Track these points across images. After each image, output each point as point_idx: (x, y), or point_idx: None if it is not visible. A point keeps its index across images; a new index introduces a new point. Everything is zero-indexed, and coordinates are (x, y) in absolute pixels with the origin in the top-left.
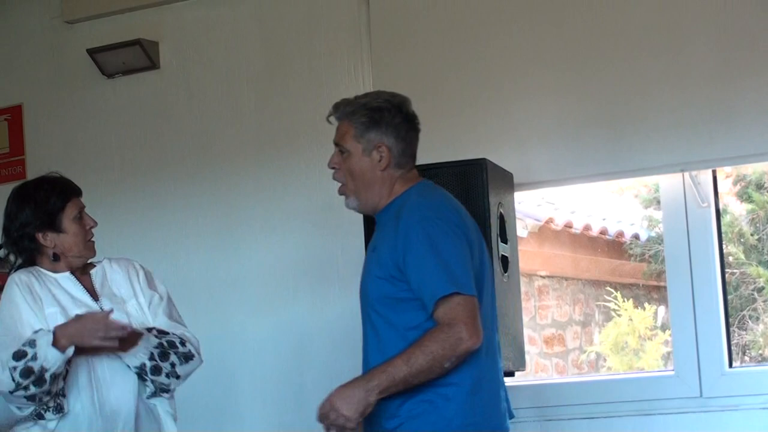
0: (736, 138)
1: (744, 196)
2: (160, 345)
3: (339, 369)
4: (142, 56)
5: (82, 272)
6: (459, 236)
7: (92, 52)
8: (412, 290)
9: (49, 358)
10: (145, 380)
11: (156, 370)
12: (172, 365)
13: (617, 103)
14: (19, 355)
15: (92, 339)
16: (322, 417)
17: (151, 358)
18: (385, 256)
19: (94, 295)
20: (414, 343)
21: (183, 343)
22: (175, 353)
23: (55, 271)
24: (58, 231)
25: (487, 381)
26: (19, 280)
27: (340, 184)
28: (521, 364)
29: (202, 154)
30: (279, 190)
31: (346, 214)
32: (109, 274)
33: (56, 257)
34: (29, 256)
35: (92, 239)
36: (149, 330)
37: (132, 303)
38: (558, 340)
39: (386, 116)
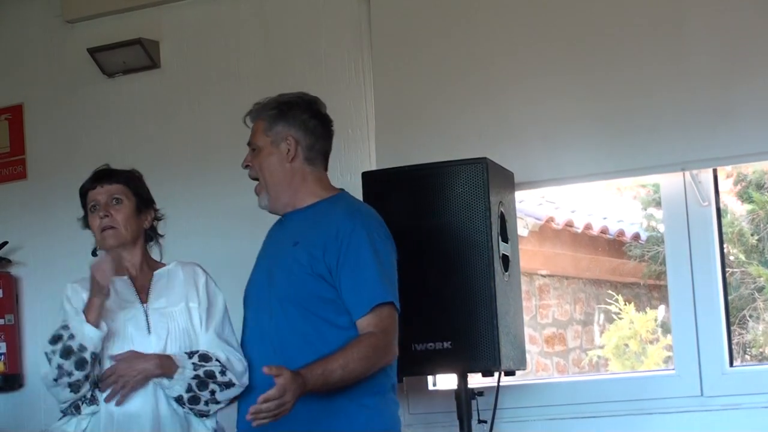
0: (737, 137)
1: (744, 196)
2: (197, 377)
3: None
4: (142, 55)
5: (146, 272)
6: (394, 252)
7: (93, 52)
8: (340, 292)
9: (86, 333)
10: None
11: (194, 400)
12: (212, 393)
13: (618, 102)
14: (55, 339)
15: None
16: (279, 405)
17: (189, 389)
18: (316, 254)
19: (144, 298)
20: (351, 347)
21: (223, 372)
22: (214, 382)
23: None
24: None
25: None
26: (66, 294)
27: (257, 182)
28: (522, 364)
29: (203, 154)
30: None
31: None
32: (172, 277)
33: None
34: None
35: (107, 229)
36: (191, 355)
37: (180, 307)
38: (559, 339)
39: (295, 110)
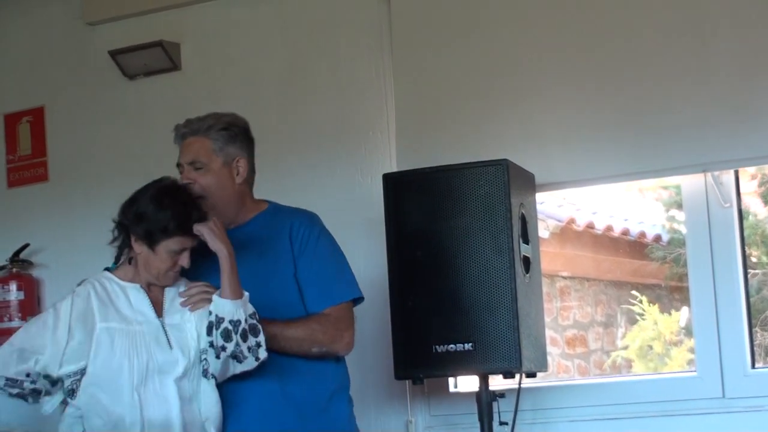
0: (759, 138)
1: (767, 199)
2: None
3: None
4: (163, 57)
5: (159, 287)
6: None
7: (114, 54)
8: (303, 289)
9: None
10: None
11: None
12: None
13: (638, 104)
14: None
15: None
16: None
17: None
18: (286, 260)
19: (159, 311)
20: (301, 318)
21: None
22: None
23: (127, 281)
24: (150, 248)
25: None
26: (75, 298)
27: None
28: (543, 365)
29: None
30: (301, 190)
31: (365, 213)
32: (181, 290)
33: (131, 261)
34: (120, 245)
35: (176, 272)
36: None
37: (192, 325)
38: (580, 341)
39: (240, 134)
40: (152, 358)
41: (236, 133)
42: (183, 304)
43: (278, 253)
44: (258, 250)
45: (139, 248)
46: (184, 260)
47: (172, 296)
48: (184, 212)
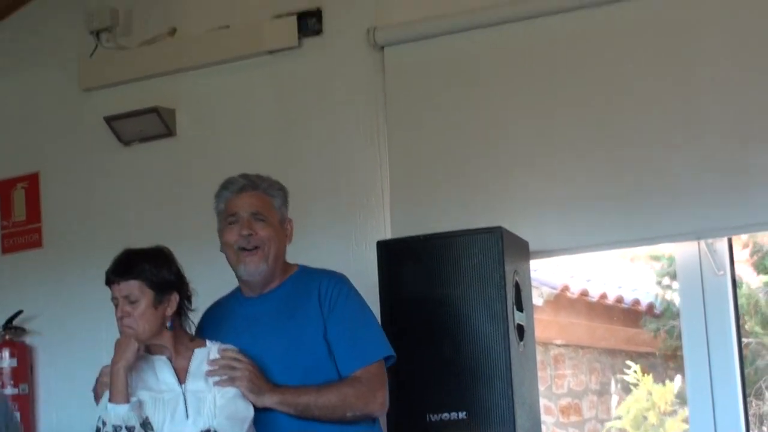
0: (752, 205)
1: (760, 267)
2: None
3: None
4: (158, 123)
5: (185, 351)
6: None
7: (109, 120)
8: (333, 350)
9: (112, 413)
10: None
11: None
12: None
13: (632, 172)
14: None
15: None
16: (228, 368)
17: None
18: (316, 322)
19: (182, 378)
20: (332, 383)
21: None
22: None
23: (155, 353)
24: None
25: None
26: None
27: (258, 249)
28: None
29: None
30: (295, 257)
31: (359, 280)
32: (211, 357)
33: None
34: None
35: (124, 326)
36: None
37: (212, 393)
38: (574, 409)
39: (287, 197)
40: (172, 424)
41: (287, 194)
42: (208, 374)
43: (308, 315)
44: (288, 312)
45: None
46: (117, 309)
47: (198, 361)
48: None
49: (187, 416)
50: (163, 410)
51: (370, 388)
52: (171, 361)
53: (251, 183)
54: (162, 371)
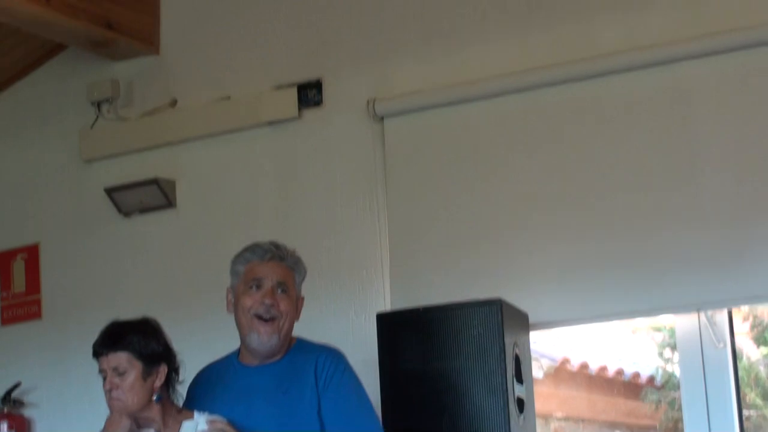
0: (752, 278)
1: (761, 340)
2: None
3: None
4: (158, 195)
5: (173, 424)
6: None
7: (109, 191)
8: (326, 427)
9: None
10: None
11: None
12: None
13: (632, 243)
14: None
15: None
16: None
17: None
18: (309, 396)
19: None
20: None
21: None
22: None
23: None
24: None
25: None
26: None
27: (274, 321)
28: None
29: (219, 292)
30: (298, 323)
31: (359, 351)
32: (199, 429)
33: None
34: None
35: (113, 398)
36: None
37: None
38: None
39: (305, 277)
40: None
41: (305, 276)
42: None
43: (303, 391)
44: (284, 386)
45: None
46: (106, 381)
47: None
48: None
49: None
50: None
51: None
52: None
53: (280, 253)
54: None
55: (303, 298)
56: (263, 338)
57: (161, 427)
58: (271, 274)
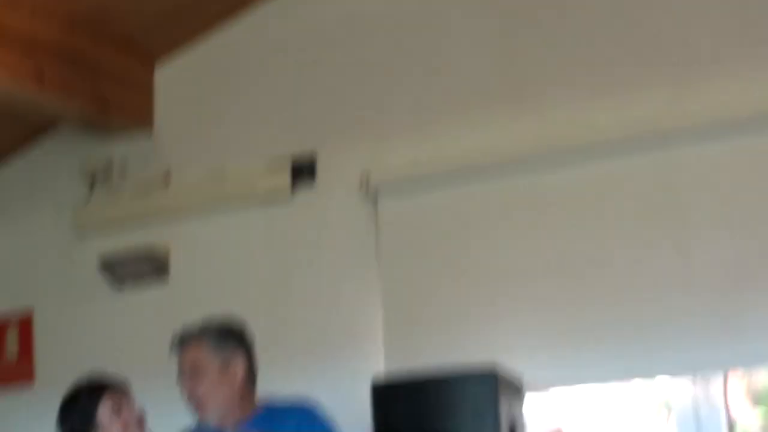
0: (748, 341)
1: (755, 403)
2: None
3: None
4: (152, 268)
5: None
6: None
7: (103, 264)
8: None
9: None
10: None
11: None
12: None
13: (627, 307)
14: None
15: None
16: None
17: None
18: None
19: None
20: None
21: None
22: None
23: None
24: (97, 430)
25: None
26: None
27: (199, 407)
28: None
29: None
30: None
31: (354, 419)
32: None
33: None
34: None
35: (137, 428)
36: None
37: None
38: None
39: (234, 334)
40: None
41: (229, 335)
42: None
43: None
44: None
45: None
46: (127, 412)
47: None
48: (89, 382)
49: None
50: None
51: None
52: None
53: (181, 339)
54: None
55: (238, 363)
56: (201, 417)
57: None
58: (180, 364)
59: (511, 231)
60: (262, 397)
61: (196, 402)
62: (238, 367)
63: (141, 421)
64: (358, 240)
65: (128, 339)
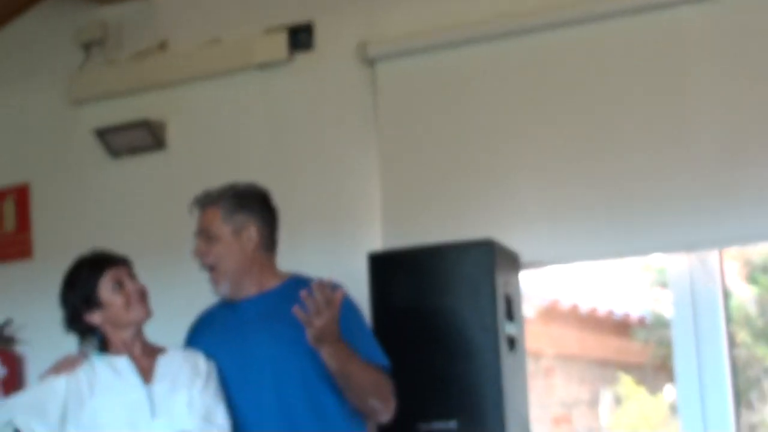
0: (743, 218)
1: (751, 280)
2: None
3: None
4: (148, 136)
5: (148, 355)
6: None
7: (99, 133)
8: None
9: None
10: None
11: None
12: None
13: (624, 183)
14: None
15: None
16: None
17: None
18: (300, 329)
19: (148, 378)
20: (374, 369)
21: None
22: None
23: (117, 355)
24: (100, 306)
25: None
26: (68, 377)
27: (213, 269)
28: None
29: None
30: (289, 265)
31: (351, 292)
32: (176, 361)
33: (103, 342)
34: (94, 336)
35: (140, 301)
36: None
37: (182, 394)
38: (565, 420)
39: (251, 200)
40: (135, 428)
41: (245, 202)
42: (296, 309)
43: (295, 325)
44: (280, 316)
45: (97, 316)
46: (131, 285)
47: (164, 365)
48: (90, 257)
49: (153, 417)
50: (128, 410)
51: (390, 388)
52: (134, 361)
53: (197, 200)
54: (124, 370)
55: (253, 227)
56: (214, 287)
57: (140, 353)
58: (197, 225)
59: (511, 97)
60: (294, 272)
61: (208, 268)
62: (252, 234)
63: (143, 296)
64: (356, 107)
65: (126, 210)
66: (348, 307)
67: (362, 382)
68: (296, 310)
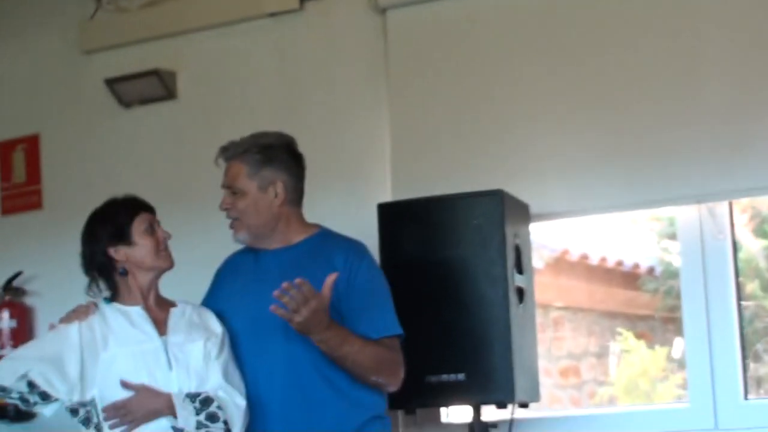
0: (753, 170)
1: (759, 232)
2: (199, 422)
3: None
4: (159, 86)
5: (161, 308)
6: None
7: (110, 82)
8: (351, 319)
9: None
10: None
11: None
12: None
13: (633, 135)
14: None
15: None
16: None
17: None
18: (318, 285)
19: (162, 330)
20: (372, 342)
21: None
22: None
23: (129, 305)
24: (128, 244)
25: None
26: (82, 325)
27: (237, 221)
28: (536, 396)
29: (218, 182)
30: None
31: (363, 236)
32: (188, 314)
33: (125, 272)
34: (109, 280)
35: (166, 250)
36: (194, 398)
37: (198, 345)
38: (573, 371)
39: (278, 153)
40: (152, 378)
41: (270, 154)
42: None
43: (318, 273)
44: (301, 270)
45: (122, 254)
46: (161, 232)
47: (177, 316)
48: (127, 199)
49: (171, 368)
50: (144, 360)
51: (396, 360)
52: (148, 312)
53: (223, 151)
54: (139, 321)
55: (280, 181)
56: (235, 237)
57: (154, 304)
58: (223, 179)
59: (522, 47)
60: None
61: (232, 220)
62: (279, 190)
63: (167, 246)
64: (367, 56)
65: (137, 160)
66: (367, 270)
67: (361, 362)
68: (274, 308)
